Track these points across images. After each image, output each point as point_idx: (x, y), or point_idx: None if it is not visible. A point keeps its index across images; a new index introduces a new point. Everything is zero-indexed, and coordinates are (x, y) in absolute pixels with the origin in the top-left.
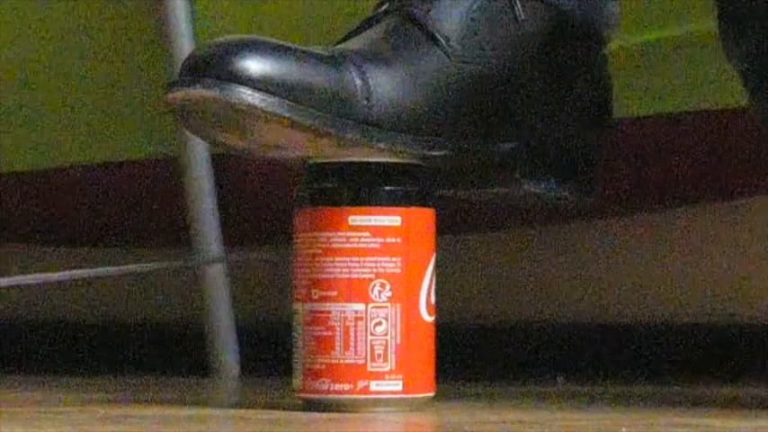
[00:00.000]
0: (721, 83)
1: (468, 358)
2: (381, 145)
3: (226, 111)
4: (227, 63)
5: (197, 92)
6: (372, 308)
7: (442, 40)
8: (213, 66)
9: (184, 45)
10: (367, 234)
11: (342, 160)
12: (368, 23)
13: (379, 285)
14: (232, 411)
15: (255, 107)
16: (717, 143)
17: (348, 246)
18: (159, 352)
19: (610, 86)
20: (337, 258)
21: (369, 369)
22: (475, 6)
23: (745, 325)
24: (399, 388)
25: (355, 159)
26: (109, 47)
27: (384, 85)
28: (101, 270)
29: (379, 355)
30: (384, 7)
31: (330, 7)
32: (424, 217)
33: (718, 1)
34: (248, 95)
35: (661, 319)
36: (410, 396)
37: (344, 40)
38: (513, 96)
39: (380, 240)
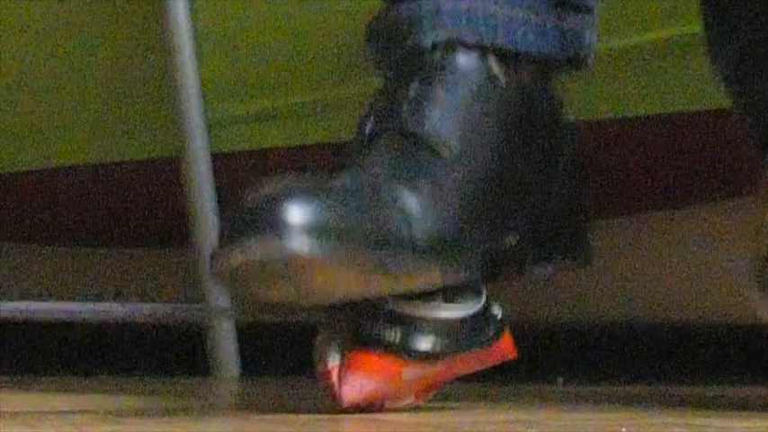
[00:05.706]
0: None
1: None
2: (433, 269)
3: (282, 264)
4: (276, 217)
5: (255, 253)
6: None
7: (445, 150)
8: (262, 223)
9: (184, 45)
10: None
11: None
12: (364, 146)
13: None
14: (232, 411)
15: (313, 255)
16: (717, 143)
17: None
18: (159, 352)
19: (578, 136)
20: None
21: None
22: (462, 99)
23: (745, 325)
24: None
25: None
26: (109, 47)
27: (418, 212)
28: (106, 309)
29: None
30: (375, 124)
31: (331, 6)
32: None
33: (704, 6)
34: (306, 245)
35: (661, 319)
36: None
37: (343, 163)
38: (508, 183)
39: None
